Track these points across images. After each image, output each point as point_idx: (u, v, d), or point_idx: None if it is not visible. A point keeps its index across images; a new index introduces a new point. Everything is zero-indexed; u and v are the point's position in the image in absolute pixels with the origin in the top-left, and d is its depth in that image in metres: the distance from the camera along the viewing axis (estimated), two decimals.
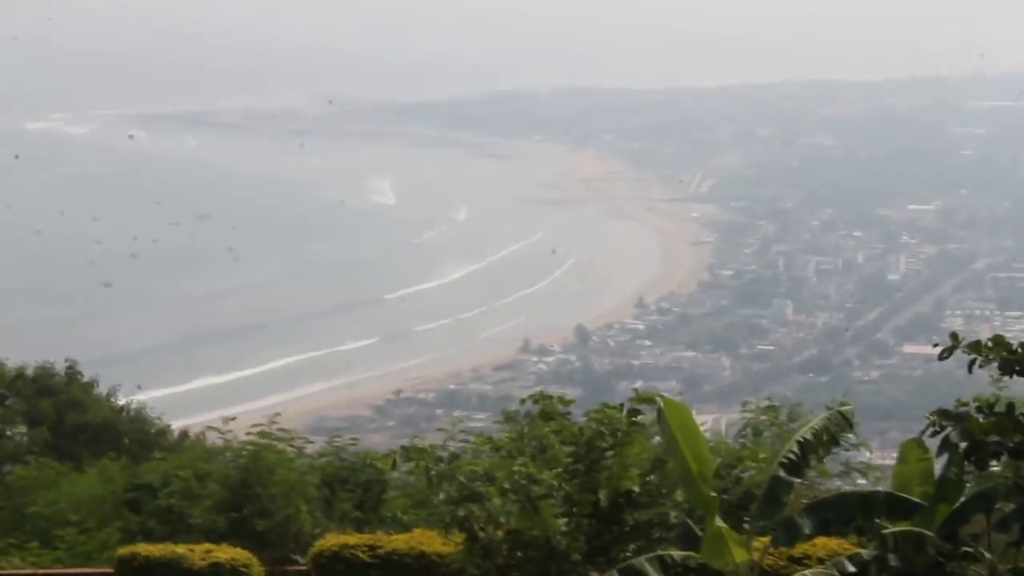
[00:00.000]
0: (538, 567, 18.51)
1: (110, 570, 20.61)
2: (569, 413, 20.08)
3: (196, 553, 20.00)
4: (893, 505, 14.85)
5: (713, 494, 15.26)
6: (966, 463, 14.35)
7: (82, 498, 26.92)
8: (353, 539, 20.19)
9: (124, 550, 20.46)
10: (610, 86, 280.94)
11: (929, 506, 14.86)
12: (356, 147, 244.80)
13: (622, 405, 19.55)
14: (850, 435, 17.33)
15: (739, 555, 14.98)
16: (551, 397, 20.33)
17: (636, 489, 18.81)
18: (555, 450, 19.11)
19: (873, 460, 22.05)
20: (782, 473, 15.11)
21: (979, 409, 14.00)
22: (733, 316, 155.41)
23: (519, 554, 18.58)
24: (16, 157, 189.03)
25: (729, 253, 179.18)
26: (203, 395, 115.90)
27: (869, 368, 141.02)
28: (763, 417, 21.60)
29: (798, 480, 15.43)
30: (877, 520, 14.80)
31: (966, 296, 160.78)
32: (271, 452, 23.55)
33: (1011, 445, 13.87)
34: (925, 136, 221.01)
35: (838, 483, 20.80)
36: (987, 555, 14.73)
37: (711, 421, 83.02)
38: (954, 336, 13.50)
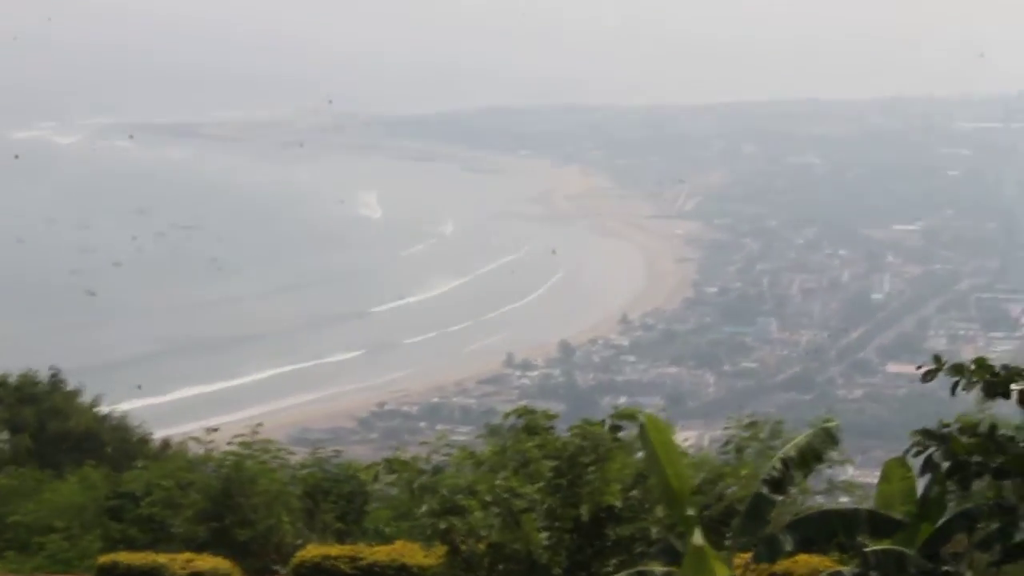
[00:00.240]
0: None
1: None
2: (552, 428, 20.07)
3: (177, 562, 19.99)
4: (875, 523, 14.86)
5: (692, 512, 15.26)
6: (948, 483, 14.36)
7: (63, 505, 26.86)
8: (335, 550, 20.21)
9: (105, 558, 20.45)
10: (597, 103, 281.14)
11: (911, 525, 14.88)
12: (345, 160, 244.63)
13: (604, 421, 19.57)
14: (833, 452, 17.33)
15: (720, 571, 14.94)
16: (535, 412, 20.33)
17: (618, 504, 18.82)
18: (538, 464, 19.12)
19: (856, 478, 22.10)
20: (765, 490, 15.12)
21: (962, 430, 14.00)
22: (717, 333, 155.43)
23: (500, 567, 18.57)
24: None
25: (714, 270, 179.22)
26: (187, 405, 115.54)
27: (853, 387, 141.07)
28: (745, 434, 21.60)
29: (781, 497, 15.44)
30: (859, 538, 14.80)
31: (950, 316, 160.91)
32: (253, 463, 23.53)
33: (994, 466, 13.87)
34: (911, 156, 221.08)
35: (820, 500, 20.81)
36: (968, 574, 14.74)
37: (695, 437, 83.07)
38: (937, 358, 13.45)
